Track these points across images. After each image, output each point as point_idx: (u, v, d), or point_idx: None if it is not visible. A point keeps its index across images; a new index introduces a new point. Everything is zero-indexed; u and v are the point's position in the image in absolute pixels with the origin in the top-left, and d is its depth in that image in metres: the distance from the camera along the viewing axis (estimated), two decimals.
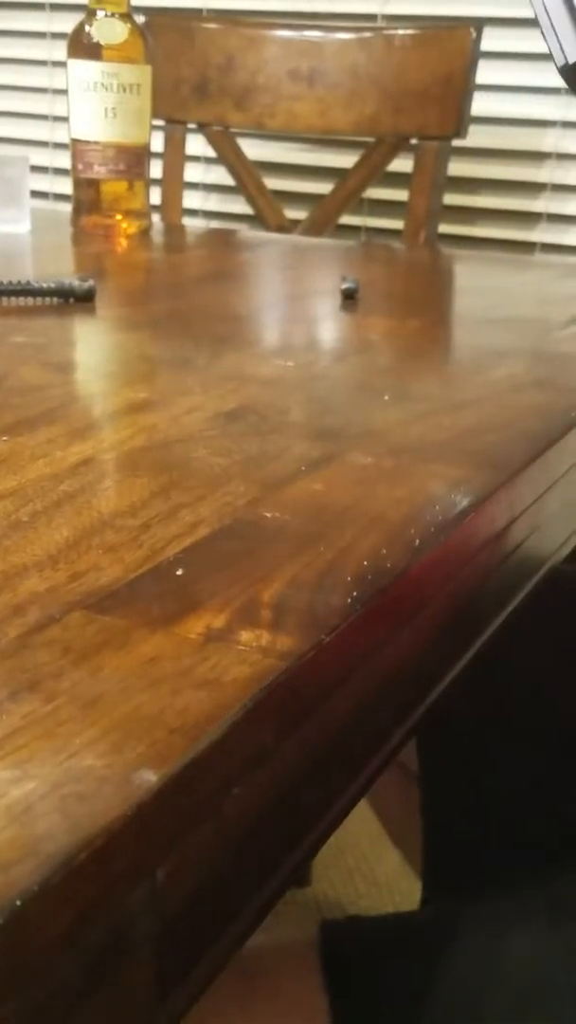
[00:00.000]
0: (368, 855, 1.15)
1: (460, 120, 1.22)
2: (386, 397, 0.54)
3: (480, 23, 1.21)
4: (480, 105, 1.37)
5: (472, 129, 1.29)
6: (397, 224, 1.41)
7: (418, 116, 1.24)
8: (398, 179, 1.40)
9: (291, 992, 0.45)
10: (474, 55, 1.20)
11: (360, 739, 0.38)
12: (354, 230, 1.62)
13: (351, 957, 0.46)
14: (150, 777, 0.24)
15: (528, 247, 1.55)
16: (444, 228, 1.49)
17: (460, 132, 1.23)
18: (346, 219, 1.49)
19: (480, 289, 0.91)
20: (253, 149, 1.47)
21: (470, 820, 0.66)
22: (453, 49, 1.19)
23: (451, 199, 1.49)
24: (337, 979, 0.45)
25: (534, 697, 0.67)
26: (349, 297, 0.78)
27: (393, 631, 0.37)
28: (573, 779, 0.63)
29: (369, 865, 1.15)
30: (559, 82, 1.47)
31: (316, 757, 0.33)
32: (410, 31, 1.23)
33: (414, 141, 1.28)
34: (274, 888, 0.33)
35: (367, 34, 1.26)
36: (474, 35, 1.18)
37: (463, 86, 1.20)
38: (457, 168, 1.45)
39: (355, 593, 0.34)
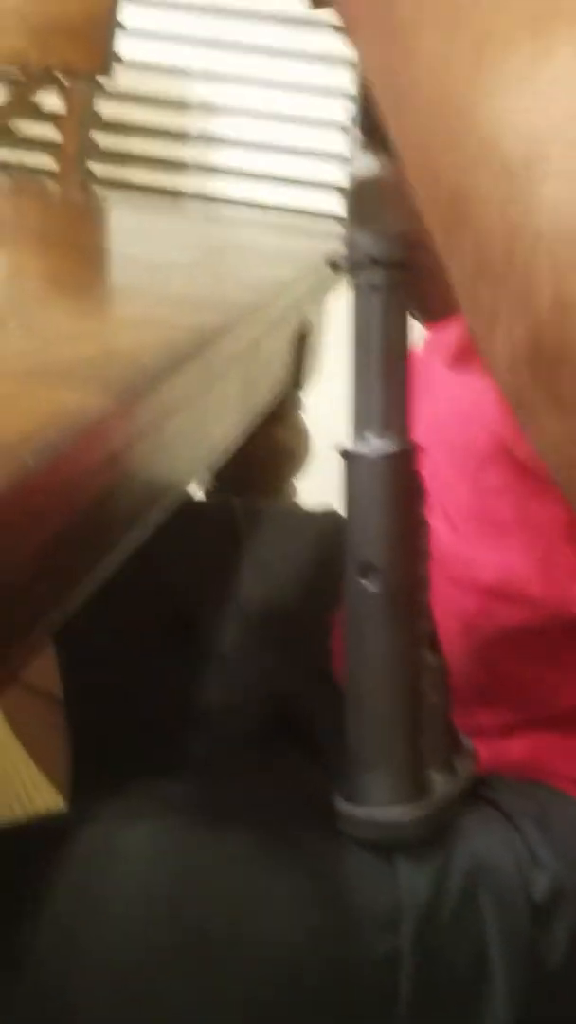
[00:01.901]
0: (33, 794, 1.16)
1: (104, 58, 1.23)
2: (11, 326, 0.56)
3: None
4: (131, 50, 1.38)
5: (125, 74, 1.30)
6: (48, 162, 1.39)
7: (62, 51, 1.23)
8: (50, 117, 1.38)
9: None
10: None
11: None
12: (4, 166, 1.58)
13: None
14: None
15: (179, 194, 1.59)
16: (102, 172, 1.49)
17: (105, 70, 1.24)
18: None
19: (121, 230, 0.93)
20: None
21: (113, 739, 0.69)
22: None
23: (105, 141, 1.49)
24: None
25: (173, 616, 0.71)
26: None
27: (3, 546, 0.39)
28: (199, 690, 0.68)
29: (34, 803, 1.15)
30: (205, 33, 1.51)
31: None
32: None
33: (63, 80, 1.27)
34: None
35: None
36: None
37: (105, 23, 1.21)
38: (109, 111, 1.45)
39: None
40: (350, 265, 0.49)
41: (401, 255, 0.48)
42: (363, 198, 0.48)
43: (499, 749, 0.55)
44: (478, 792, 0.51)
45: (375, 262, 0.47)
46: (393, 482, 0.47)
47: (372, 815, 0.48)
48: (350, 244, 0.49)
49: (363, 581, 0.47)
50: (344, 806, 0.48)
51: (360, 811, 0.48)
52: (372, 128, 0.48)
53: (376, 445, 0.47)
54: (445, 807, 0.48)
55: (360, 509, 0.48)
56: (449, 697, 0.50)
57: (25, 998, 0.44)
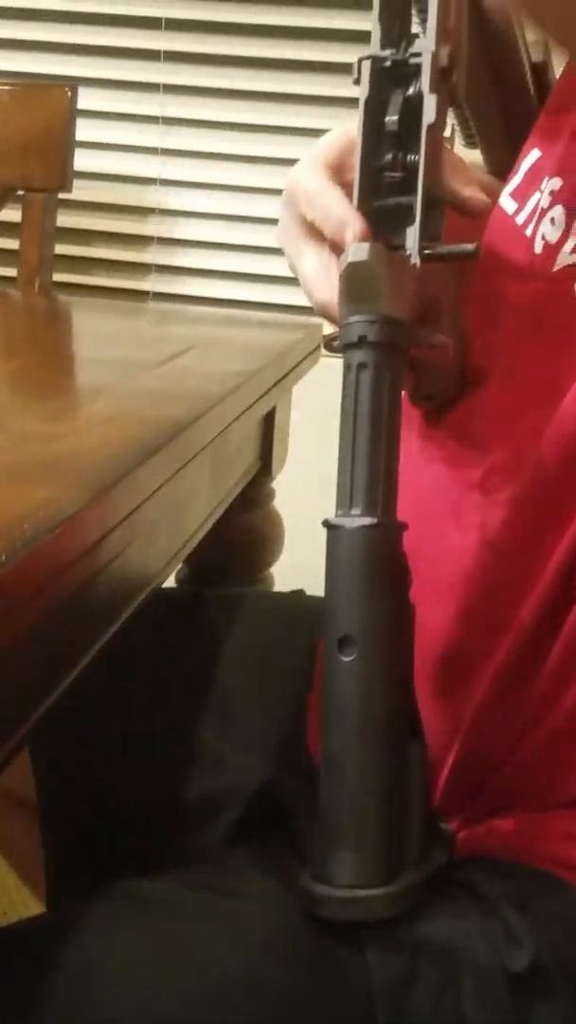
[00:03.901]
0: (16, 900, 1.14)
1: (63, 174, 1.27)
2: None
3: (75, 84, 1.27)
4: (87, 162, 1.43)
5: (81, 184, 1.35)
6: (11, 272, 1.43)
7: (22, 168, 1.27)
8: (10, 228, 1.42)
9: None
10: (71, 113, 1.25)
11: None
12: None
13: None
14: None
15: (142, 295, 1.62)
16: (62, 277, 1.53)
17: (64, 186, 1.28)
18: None
19: (87, 333, 0.96)
20: None
21: (91, 844, 0.68)
22: (51, 106, 1.24)
23: (67, 249, 1.53)
24: None
25: (150, 712, 0.70)
26: None
27: None
28: (189, 793, 0.66)
29: (17, 910, 1.13)
30: (156, 141, 1.57)
31: None
32: (8, 87, 1.27)
33: (21, 192, 1.32)
34: None
35: None
36: (70, 94, 1.24)
37: (63, 142, 1.25)
38: (69, 220, 1.49)
39: None
40: (343, 345, 0.50)
41: (391, 337, 0.49)
42: (356, 282, 0.50)
43: (476, 830, 0.54)
44: (453, 876, 0.50)
45: (365, 342, 0.49)
46: (373, 553, 0.47)
47: (336, 894, 0.46)
48: (342, 325, 0.50)
49: (340, 654, 0.47)
50: (309, 885, 0.47)
51: (324, 889, 0.47)
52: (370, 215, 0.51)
53: (358, 518, 0.48)
54: (414, 888, 0.47)
55: (339, 580, 0.48)
56: (427, 779, 0.49)
57: None
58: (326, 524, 0.49)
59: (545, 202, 0.56)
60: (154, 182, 1.57)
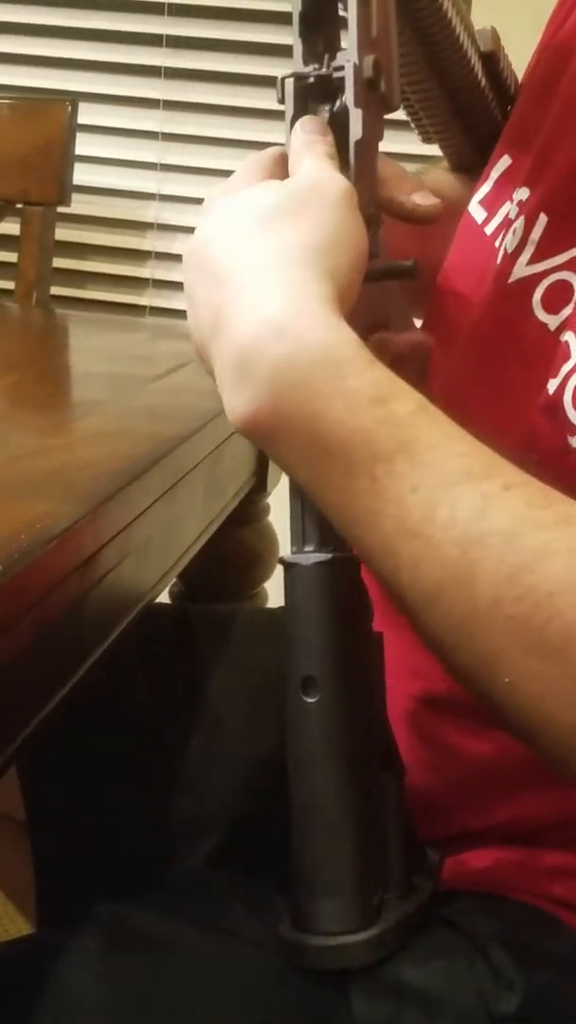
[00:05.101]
0: (2, 915, 1.13)
1: (62, 189, 1.28)
2: None
3: (75, 99, 1.28)
4: (86, 176, 1.43)
5: (80, 198, 1.35)
6: (9, 285, 1.43)
7: (20, 182, 1.28)
8: (8, 241, 1.43)
9: None
10: (71, 128, 1.26)
11: None
12: None
13: None
14: None
15: (139, 310, 1.63)
16: (59, 291, 1.53)
17: (63, 200, 1.28)
18: None
19: (84, 347, 0.96)
20: None
21: (79, 862, 0.67)
22: (50, 122, 1.25)
23: (64, 263, 1.54)
24: None
25: (139, 735, 0.68)
26: None
27: None
28: (175, 813, 0.65)
29: (4, 927, 1.13)
30: (155, 157, 1.58)
31: None
32: (8, 102, 1.28)
33: (20, 206, 1.32)
34: None
35: None
36: (70, 109, 1.25)
37: (62, 157, 1.26)
38: (67, 234, 1.50)
39: None
40: None
41: None
42: None
43: (462, 861, 0.53)
44: (439, 913, 0.49)
45: None
46: (331, 589, 0.46)
47: (314, 942, 0.45)
48: None
49: (304, 695, 0.45)
50: (288, 933, 0.46)
51: (302, 938, 0.45)
52: None
53: (313, 554, 0.46)
54: (397, 928, 0.46)
55: (299, 619, 0.46)
56: (405, 811, 0.48)
57: None
58: (281, 561, 0.47)
59: (513, 212, 0.54)
60: (153, 197, 1.58)
